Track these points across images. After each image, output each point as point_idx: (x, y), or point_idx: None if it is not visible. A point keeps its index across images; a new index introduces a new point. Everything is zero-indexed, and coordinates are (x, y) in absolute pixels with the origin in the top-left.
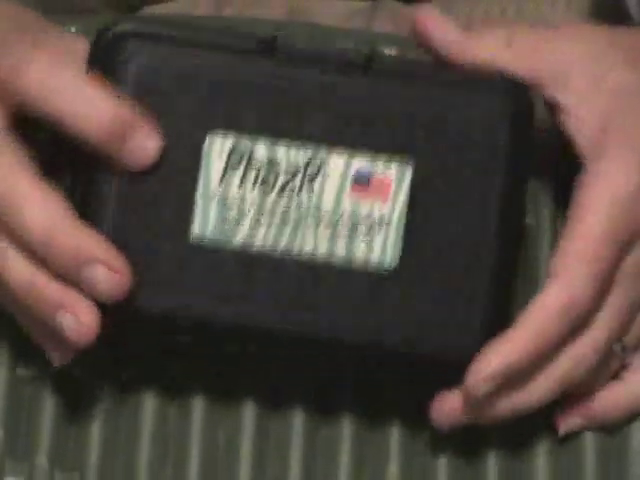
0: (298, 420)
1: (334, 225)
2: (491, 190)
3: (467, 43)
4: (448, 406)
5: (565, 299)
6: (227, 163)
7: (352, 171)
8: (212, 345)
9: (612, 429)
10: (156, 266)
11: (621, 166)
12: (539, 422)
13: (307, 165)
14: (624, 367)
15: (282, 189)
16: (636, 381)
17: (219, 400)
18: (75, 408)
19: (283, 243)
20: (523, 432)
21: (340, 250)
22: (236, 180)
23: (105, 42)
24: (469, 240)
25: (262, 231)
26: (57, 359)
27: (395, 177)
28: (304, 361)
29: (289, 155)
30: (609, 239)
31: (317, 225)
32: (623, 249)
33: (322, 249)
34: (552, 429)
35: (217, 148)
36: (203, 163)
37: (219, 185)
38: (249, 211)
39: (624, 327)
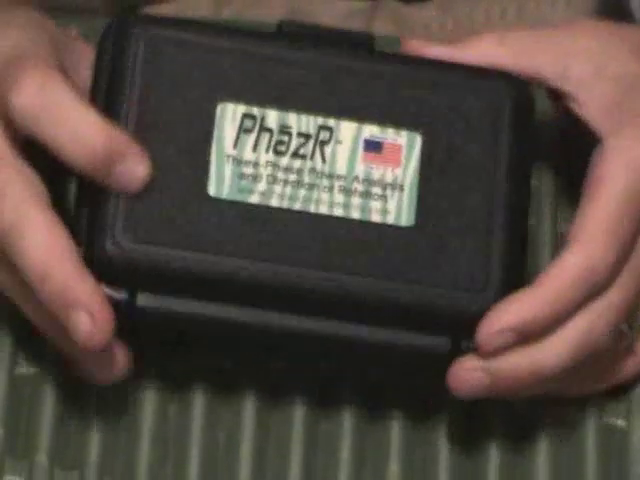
0: (298, 417)
1: (348, 188)
2: (500, 157)
3: (459, 50)
4: (465, 368)
5: (584, 264)
6: (240, 128)
7: (363, 137)
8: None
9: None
10: (174, 226)
11: (638, 140)
12: (540, 419)
13: (318, 131)
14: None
15: (295, 153)
16: None
17: (219, 398)
18: (75, 407)
19: (298, 205)
20: (524, 429)
21: (355, 213)
22: (249, 144)
23: (115, 25)
24: (482, 202)
25: (277, 192)
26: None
27: (406, 143)
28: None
29: (300, 121)
30: (629, 207)
31: (331, 188)
32: None
33: (337, 211)
34: (552, 426)
35: (229, 115)
36: (216, 129)
37: (233, 148)
38: (263, 172)
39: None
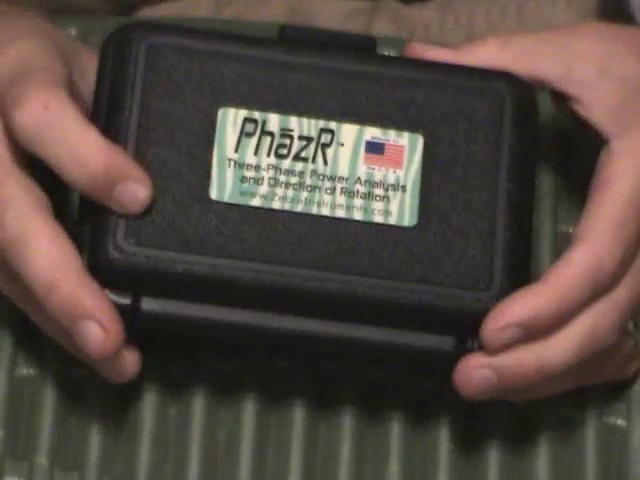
0: (298, 418)
1: (350, 190)
2: (502, 157)
3: (462, 54)
4: (472, 366)
5: (591, 262)
6: (241, 132)
7: (365, 139)
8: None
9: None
10: (176, 230)
11: None
12: (540, 419)
13: (320, 134)
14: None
15: (296, 156)
16: None
17: (219, 399)
18: (75, 407)
19: (300, 207)
20: (524, 429)
21: (357, 214)
22: (251, 148)
23: (117, 32)
24: (485, 202)
25: (279, 194)
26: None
27: (408, 144)
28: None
29: (301, 124)
30: (635, 208)
31: (333, 190)
32: None
33: (340, 213)
34: (552, 426)
35: (230, 119)
36: (218, 133)
37: (235, 152)
38: (265, 175)
39: None
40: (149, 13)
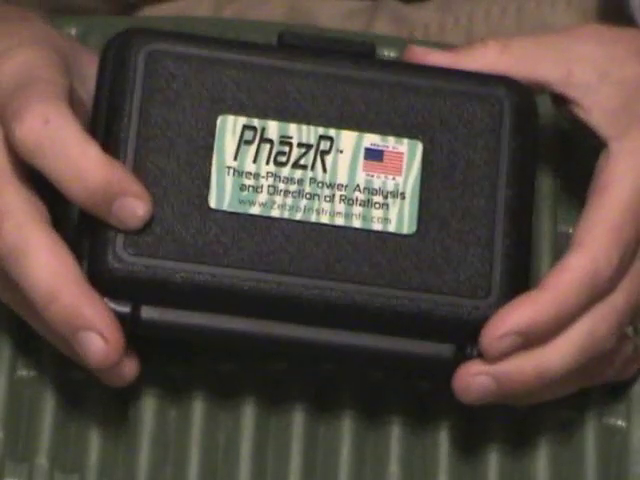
0: (298, 420)
1: (349, 198)
2: (502, 163)
3: (462, 57)
4: (471, 373)
5: (588, 267)
6: (240, 140)
7: (364, 146)
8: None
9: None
10: (176, 239)
11: None
12: (540, 421)
13: (319, 141)
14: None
15: (296, 164)
16: None
17: (219, 402)
18: (75, 409)
19: (299, 215)
20: (524, 430)
21: (357, 222)
22: (250, 155)
23: (116, 38)
24: (484, 208)
25: (278, 202)
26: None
27: (407, 151)
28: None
29: (300, 132)
30: (633, 212)
31: (332, 198)
32: None
33: (339, 221)
34: (552, 427)
35: (230, 127)
36: (217, 140)
37: (234, 160)
38: (264, 183)
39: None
40: (149, 13)
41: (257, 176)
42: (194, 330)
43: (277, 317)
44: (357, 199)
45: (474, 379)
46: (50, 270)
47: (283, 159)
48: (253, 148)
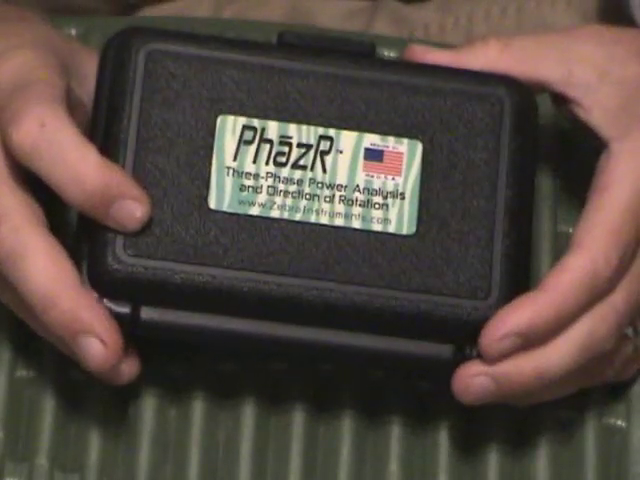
0: (298, 420)
1: (349, 198)
2: (502, 163)
3: (462, 56)
4: (470, 374)
5: (588, 268)
6: (240, 140)
7: (364, 146)
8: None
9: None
10: (175, 240)
11: None
12: (540, 421)
13: (319, 141)
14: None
15: (295, 164)
16: None
17: (219, 401)
18: (75, 409)
19: (299, 215)
20: (524, 430)
21: (356, 222)
22: (250, 156)
23: (116, 38)
24: (484, 209)
25: (278, 203)
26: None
27: (406, 151)
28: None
29: (300, 132)
30: (633, 213)
31: (332, 198)
32: None
33: (338, 221)
34: (552, 427)
35: (229, 127)
36: (216, 141)
37: (233, 160)
38: (264, 184)
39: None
40: (149, 13)
41: (257, 176)
42: (194, 331)
43: (277, 318)
44: (357, 199)
45: (473, 380)
46: (48, 275)
47: (283, 159)
48: (253, 148)
